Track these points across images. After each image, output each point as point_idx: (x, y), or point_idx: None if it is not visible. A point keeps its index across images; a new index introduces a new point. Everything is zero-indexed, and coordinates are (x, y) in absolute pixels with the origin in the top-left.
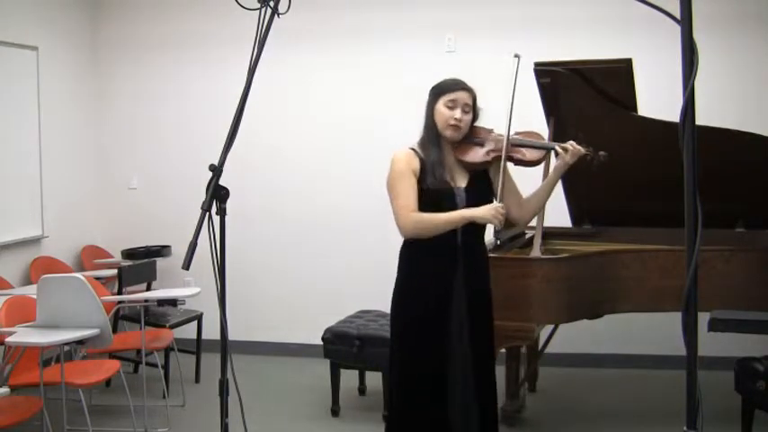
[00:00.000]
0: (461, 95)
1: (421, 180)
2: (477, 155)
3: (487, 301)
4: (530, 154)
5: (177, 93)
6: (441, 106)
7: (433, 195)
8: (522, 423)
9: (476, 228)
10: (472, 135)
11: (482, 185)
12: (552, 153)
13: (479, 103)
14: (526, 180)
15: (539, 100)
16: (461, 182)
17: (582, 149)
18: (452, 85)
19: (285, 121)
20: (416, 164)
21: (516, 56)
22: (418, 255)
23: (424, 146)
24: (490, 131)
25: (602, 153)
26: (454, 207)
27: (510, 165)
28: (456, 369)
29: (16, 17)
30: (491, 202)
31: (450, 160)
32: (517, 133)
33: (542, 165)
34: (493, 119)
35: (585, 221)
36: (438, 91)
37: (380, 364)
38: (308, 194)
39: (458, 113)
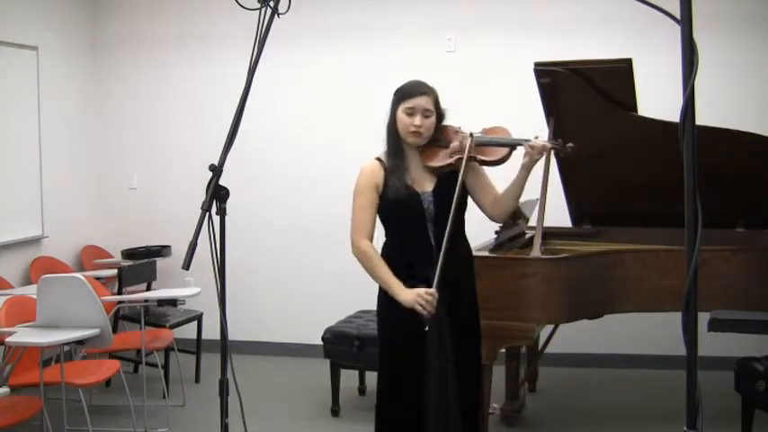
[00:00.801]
0: (420, 101)
1: (385, 189)
2: (440, 159)
3: (469, 301)
4: (492, 153)
5: (177, 93)
6: (401, 113)
7: (397, 204)
8: (522, 423)
9: (450, 227)
10: (438, 137)
11: (453, 185)
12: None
13: (469, 109)
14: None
15: (539, 100)
16: (428, 186)
17: (547, 144)
18: (411, 91)
19: (285, 121)
20: (380, 176)
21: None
22: (396, 257)
23: (388, 153)
24: (456, 131)
25: (569, 145)
26: (421, 213)
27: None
28: (435, 370)
29: (16, 17)
30: (460, 207)
31: (416, 165)
32: (484, 130)
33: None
34: (493, 119)
35: (585, 221)
36: (397, 97)
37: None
38: (308, 194)
39: (417, 120)
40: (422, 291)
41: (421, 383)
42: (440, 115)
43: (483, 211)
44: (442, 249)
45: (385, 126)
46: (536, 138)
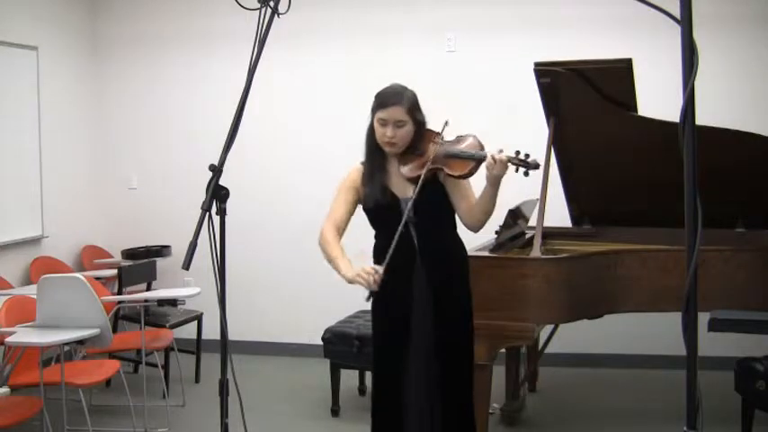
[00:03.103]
0: (391, 113)
1: (364, 195)
2: (413, 169)
3: (458, 301)
4: (457, 166)
5: (177, 92)
6: (375, 122)
7: (376, 211)
8: (522, 423)
9: (434, 227)
10: (416, 145)
11: (434, 193)
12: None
13: (467, 109)
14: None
15: (539, 100)
16: (408, 191)
17: (505, 158)
18: (384, 101)
19: (286, 121)
20: (360, 179)
21: (446, 122)
22: (381, 258)
23: (365, 159)
24: (433, 139)
25: (532, 160)
26: (401, 217)
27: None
28: (415, 371)
29: (16, 17)
30: (444, 209)
31: (397, 170)
32: (456, 139)
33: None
34: (493, 119)
35: (585, 221)
36: (375, 105)
37: None
38: (308, 193)
39: (389, 131)
40: (365, 267)
41: (400, 383)
42: (418, 122)
43: (459, 218)
44: (394, 241)
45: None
46: (500, 151)
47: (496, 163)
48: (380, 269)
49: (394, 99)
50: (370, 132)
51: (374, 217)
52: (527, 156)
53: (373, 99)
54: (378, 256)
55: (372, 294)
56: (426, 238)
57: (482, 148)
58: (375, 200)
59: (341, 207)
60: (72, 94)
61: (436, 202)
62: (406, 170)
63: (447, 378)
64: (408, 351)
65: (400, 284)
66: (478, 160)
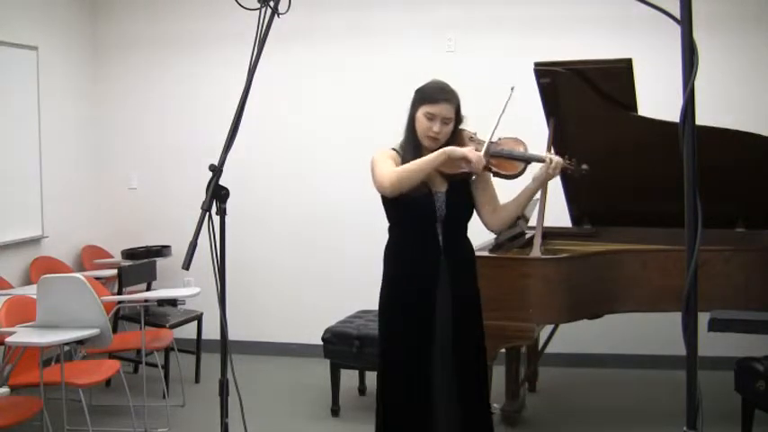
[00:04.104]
0: (442, 109)
1: None
2: (454, 165)
3: (473, 301)
4: (507, 166)
5: (177, 93)
6: (420, 115)
7: (410, 201)
8: (522, 423)
9: (458, 227)
10: (453, 141)
11: (463, 189)
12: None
13: (467, 109)
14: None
15: (539, 100)
16: (441, 186)
17: (564, 162)
18: (434, 96)
19: (285, 122)
20: (398, 163)
21: (512, 88)
22: (401, 256)
23: (405, 149)
24: (472, 137)
25: (584, 167)
26: (433, 212)
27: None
28: (438, 371)
29: (16, 17)
30: (467, 211)
31: None
32: (501, 141)
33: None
34: (491, 119)
35: (585, 221)
36: (420, 98)
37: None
38: (308, 195)
39: (436, 126)
40: (481, 154)
41: (426, 375)
42: (458, 121)
43: (481, 218)
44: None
45: (405, 122)
46: (559, 159)
47: (552, 165)
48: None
49: (446, 96)
50: (411, 124)
51: (404, 209)
52: (577, 161)
53: (416, 92)
54: (399, 256)
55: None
56: (450, 238)
57: (526, 150)
58: (416, 189)
59: (390, 165)
60: (72, 94)
61: (462, 204)
62: (445, 166)
63: (466, 378)
64: (431, 351)
65: (424, 283)
66: (528, 161)
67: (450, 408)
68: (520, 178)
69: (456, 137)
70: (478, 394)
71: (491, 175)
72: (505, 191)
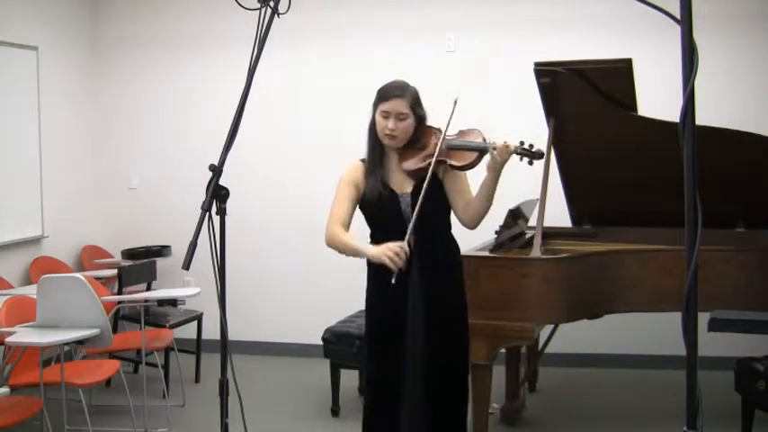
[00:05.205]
0: (395, 105)
1: (364, 190)
2: (414, 162)
3: (453, 302)
4: (461, 157)
5: (177, 93)
6: (377, 115)
7: (376, 205)
8: (522, 423)
9: (428, 230)
10: (417, 139)
11: (432, 189)
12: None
13: (466, 108)
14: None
15: (539, 100)
16: (407, 187)
17: (510, 146)
18: (386, 94)
19: (286, 120)
20: (360, 174)
21: (455, 101)
22: (375, 264)
23: (367, 154)
24: (434, 133)
25: (537, 149)
26: (399, 214)
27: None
28: (409, 372)
29: (16, 17)
30: (441, 209)
31: (395, 166)
32: (459, 132)
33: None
34: (492, 119)
35: (585, 221)
36: (376, 98)
37: None
38: (308, 194)
39: (391, 123)
40: (390, 244)
41: (396, 379)
42: (419, 117)
43: (456, 215)
44: (414, 214)
45: (367, 126)
46: (504, 142)
47: (499, 150)
48: (405, 245)
49: (397, 92)
50: (372, 127)
51: (373, 213)
52: (531, 146)
53: (375, 93)
54: (371, 261)
55: (399, 274)
56: (423, 239)
57: (485, 140)
58: (378, 193)
59: (343, 204)
60: (72, 94)
61: (433, 201)
62: (407, 164)
63: (437, 380)
64: (403, 352)
65: (396, 285)
66: (482, 150)
67: (417, 411)
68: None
69: (422, 133)
70: (451, 399)
71: (450, 169)
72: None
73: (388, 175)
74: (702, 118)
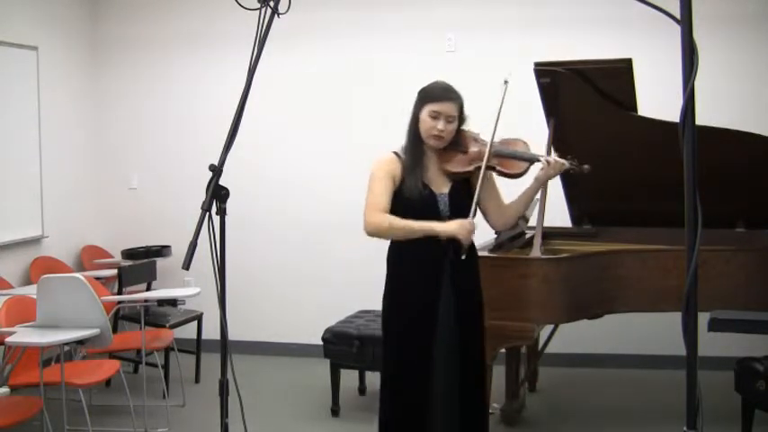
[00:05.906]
0: (446, 107)
1: (401, 186)
2: (458, 164)
3: (477, 301)
4: (511, 166)
5: (177, 92)
6: (425, 115)
7: (414, 203)
8: (522, 423)
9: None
10: (456, 141)
11: (465, 190)
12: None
13: (467, 108)
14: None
15: (539, 100)
16: (444, 187)
17: (565, 163)
18: (439, 95)
19: (285, 121)
20: (398, 169)
21: (506, 81)
22: (405, 258)
23: (407, 151)
24: (475, 138)
25: (585, 166)
26: (437, 213)
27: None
28: (441, 371)
29: (16, 17)
30: (468, 211)
31: (434, 166)
32: (503, 141)
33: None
34: (492, 119)
35: (585, 221)
36: (424, 97)
37: (380, 364)
38: (308, 194)
39: (440, 125)
40: (463, 221)
41: (427, 373)
42: (461, 121)
43: (486, 218)
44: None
45: (407, 124)
46: (557, 157)
47: (551, 165)
48: (473, 221)
49: (452, 95)
50: (414, 125)
51: (410, 210)
52: (577, 160)
53: (420, 92)
54: (404, 257)
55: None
56: (454, 239)
57: (528, 149)
58: (419, 192)
59: (383, 195)
60: (72, 94)
61: (465, 204)
62: (450, 165)
63: (469, 378)
64: (434, 351)
65: (428, 284)
66: (531, 161)
67: (449, 408)
68: (522, 178)
69: (459, 137)
70: (479, 395)
71: (495, 174)
72: (504, 189)
73: (426, 174)
74: (702, 118)
